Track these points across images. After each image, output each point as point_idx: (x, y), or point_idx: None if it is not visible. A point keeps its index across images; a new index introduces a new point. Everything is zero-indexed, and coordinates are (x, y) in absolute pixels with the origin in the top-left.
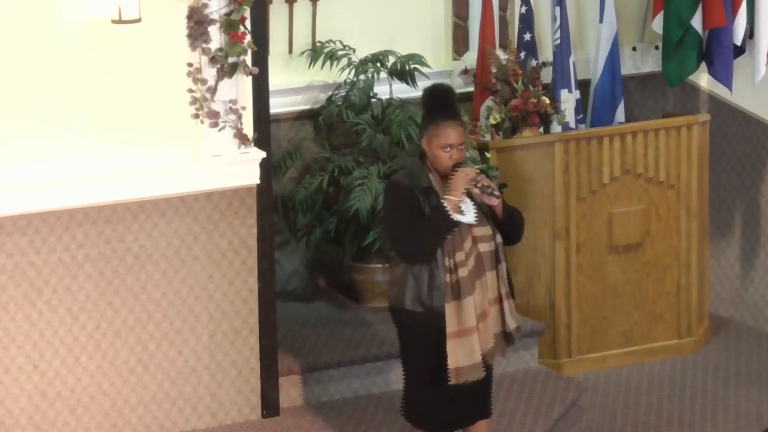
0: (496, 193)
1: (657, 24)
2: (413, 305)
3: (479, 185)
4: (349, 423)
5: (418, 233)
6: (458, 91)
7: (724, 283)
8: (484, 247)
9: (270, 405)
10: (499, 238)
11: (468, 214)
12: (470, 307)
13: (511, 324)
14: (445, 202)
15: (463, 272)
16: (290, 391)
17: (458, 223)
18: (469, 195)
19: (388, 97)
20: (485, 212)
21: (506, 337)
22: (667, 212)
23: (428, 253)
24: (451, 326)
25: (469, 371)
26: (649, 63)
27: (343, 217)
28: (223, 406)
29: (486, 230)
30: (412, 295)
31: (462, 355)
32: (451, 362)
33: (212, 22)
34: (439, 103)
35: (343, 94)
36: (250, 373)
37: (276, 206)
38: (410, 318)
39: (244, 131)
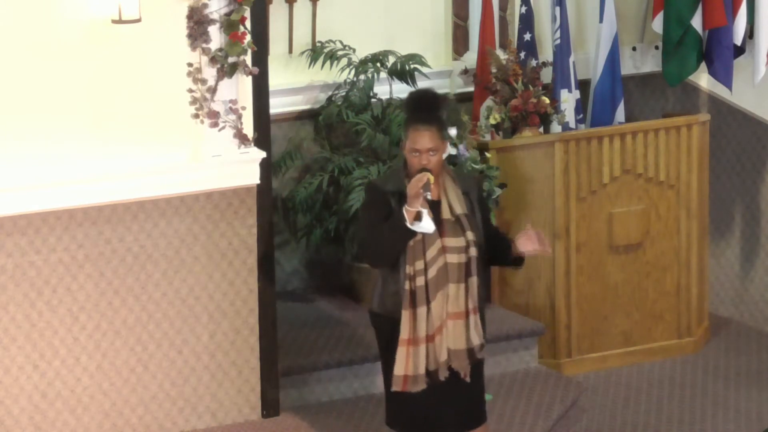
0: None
1: (657, 24)
2: (378, 308)
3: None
4: (349, 423)
5: (377, 237)
6: (458, 91)
7: (724, 283)
8: (453, 258)
9: (270, 405)
10: (473, 252)
11: (425, 224)
12: (423, 316)
13: (475, 340)
14: (404, 211)
15: (420, 281)
16: (290, 391)
17: (415, 233)
18: (437, 202)
19: (388, 97)
20: (462, 224)
21: (470, 354)
22: (667, 212)
23: (384, 257)
24: (404, 333)
25: (414, 381)
26: (649, 63)
27: (343, 217)
28: (223, 406)
29: (458, 242)
30: (378, 298)
31: (410, 364)
32: (398, 369)
33: (212, 22)
34: (415, 106)
35: (343, 94)
36: (250, 373)
37: (276, 206)
38: (377, 320)
39: (244, 131)
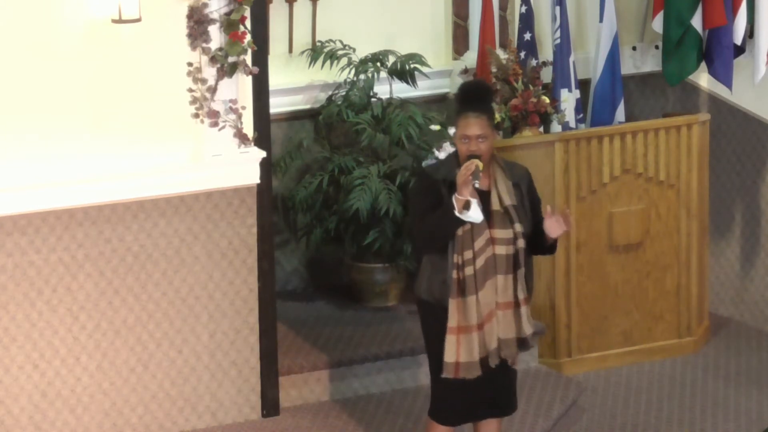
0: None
1: (657, 23)
2: (426, 295)
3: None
4: (349, 423)
5: (426, 223)
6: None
7: (724, 283)
8: (501, 250)
9: (270, 405)
10: (521, 243)
11: (474, 213)
12: (473, 305)
13: (527, 330)
14: (453, 199)
15: (468, 271)
16: (290, 391)
17: (463, 221)
18: (487, 192)
19: (388, 96)
20: (511, 216)
21: (521, 343)
22: (667, 212)
23: (433, 243)
24: (452, 321)
25: (467, 368)
26: (649, 62)
27: (343, 216)
28: (223, 405)
29: (506, 233)
30: (426, 286)
31: (462, 351)
32: (448, 356)
33: (212, 21)
34: (465, 96)
35: (343, 93)
36: (250, 372)
37: (276, 206)
38: (424, 307)
39: (244, 131)
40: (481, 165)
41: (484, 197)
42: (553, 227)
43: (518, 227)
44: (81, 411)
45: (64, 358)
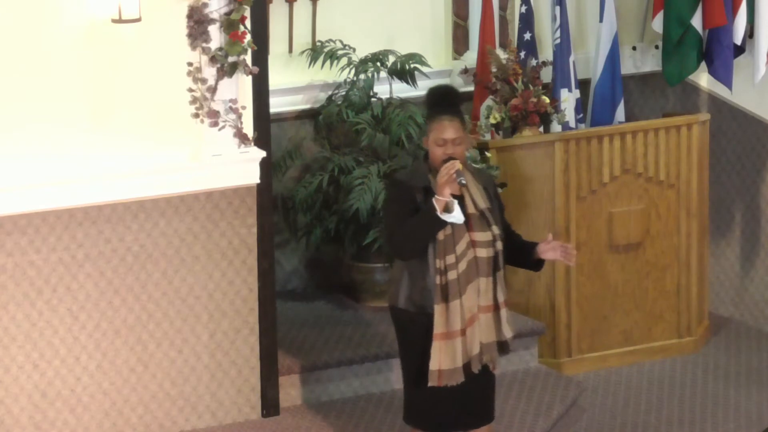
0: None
1: (657, 23)
2: (406, 304)
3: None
4: (349, 423)
5: (406, 228)
6: (458, 90)
7: (724, 283)
8: (482, 252)
9: (270, 405)
10: (499, 245)
11: (457, 214)
12: (456, 310)
13: (507, 333)
14: (434, 201)
15: (452, 275)
16: (290, 390)
17: (445, 222)
18: (461, 197)
19: (388, 96)
20: (488, 218)
21: (501, 346)
22: (667, 212)
23: (414, 249)
24: (438, 328)
25: (450, 375)
26: (649, 62)
27: (343, 216)
28: (223, 405)
29: (486, 236)
30: (406, 294)
31: (445, 358)
32: (433, 364)
33: (212, 21)
34: (438, 99)
35: (343, 93)
36: (250, 372)
37: (276, 206)
38: (403, 316)
39: (244, 131)
40: (461, 166)
41: (459, 202)
42: (547, 251)
43: (495, 229)
44: (81, 411)
45: (64, 358)
